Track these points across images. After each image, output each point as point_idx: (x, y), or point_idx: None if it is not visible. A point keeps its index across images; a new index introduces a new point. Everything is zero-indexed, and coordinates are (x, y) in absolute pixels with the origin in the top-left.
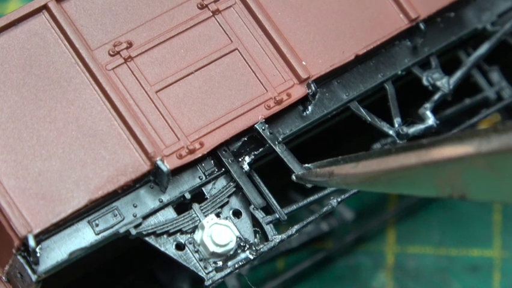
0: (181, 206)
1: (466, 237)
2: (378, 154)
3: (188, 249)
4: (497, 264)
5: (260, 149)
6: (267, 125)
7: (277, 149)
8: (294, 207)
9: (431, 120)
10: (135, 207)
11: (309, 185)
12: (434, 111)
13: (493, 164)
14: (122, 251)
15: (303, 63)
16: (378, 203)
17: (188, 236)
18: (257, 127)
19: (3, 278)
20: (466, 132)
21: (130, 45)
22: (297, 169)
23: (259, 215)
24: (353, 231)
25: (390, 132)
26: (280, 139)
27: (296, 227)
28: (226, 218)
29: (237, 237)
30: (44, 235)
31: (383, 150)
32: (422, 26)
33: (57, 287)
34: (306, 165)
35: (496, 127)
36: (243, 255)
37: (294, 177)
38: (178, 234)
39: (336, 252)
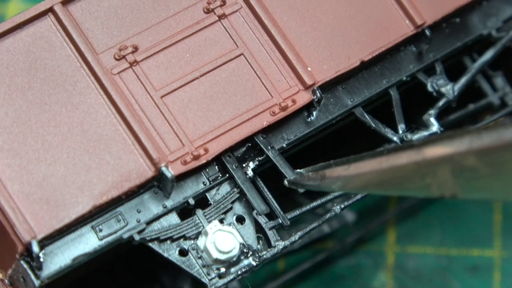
0: (185, 211)
1: (466, 237)
2: (369, 156)
3: (192, 255)
4: (498, 264)
5: (265, 155)
6: None
7: (269, 154)
8: (297, 212)
9: (435, 127)
10: (139, 212)
11: (301, 190)
12: (438, 116)
13: (484, 161)
14: (124, 250)
15: (309, 69)
16: (378, 204)
17: (192, 242)
18: None
19: (6, 281)
20: (456, 131)
21: (135, 49)
22: (289, 174)
23: (262, 220)
24: (353, 231)
25: (394, 138)
26: (273, 144)
27: (299, 233)
28: (230, 224)
29: (240, 244)
30: (47, 240)
31: (374, 152)
32: (427, 32)
33: (58, 286)
34: (298, 170)
35: (487, 126)
36: (246, 262)
37: (286, 182)
38: (182, 240)
39: (337, 252)
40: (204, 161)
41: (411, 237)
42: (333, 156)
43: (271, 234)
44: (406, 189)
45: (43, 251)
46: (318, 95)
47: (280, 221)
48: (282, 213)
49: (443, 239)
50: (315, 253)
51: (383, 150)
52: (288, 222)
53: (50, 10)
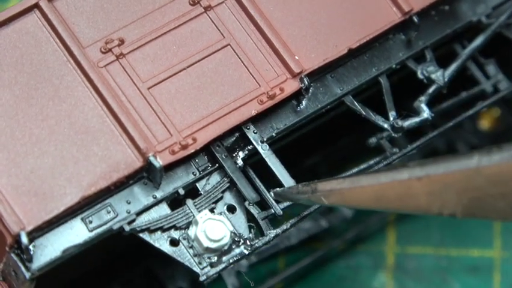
0: (176, 202)
1: (466, 237)
2: (367, 173)
3: (183, 245)
4: (497, 265)
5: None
6: None
7: (261, 150)
8: (290, 202)
9: (426, 113)
10: (129, 203)
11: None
12: (431, 105)
13: (492, 181)
14: (121, 248)
15: (296, 57)
16: None
17: (183, 231)
18: None
19: None
20: (464, 152)
21: (121, 42)
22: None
23: (255, 210)
24: (352, 229)
25: (385, 125)
26: (263, 138)
27: (291, 221)
28: (221, 213)
29: (231, 232)
30: (37, 232)
31: (372, 170)
32: (415, 19)
33: (56, 284)
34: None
35: (499, 145)
36: (237, 250)
37: (272, 193)
38: (172, 230)
39: (337, 252)
40: (192, 150)
41: (411, 237)
42: (329, 150)
43: (264, 224)
44: (403, 206)
45: (33, 243)
46: (306, 83)
47: (273, 211)
48: (274, 202)
49: (443, 240)
50: (314, 253)
51: (381, 168)
52: (281, 212)
53: (36, 6)
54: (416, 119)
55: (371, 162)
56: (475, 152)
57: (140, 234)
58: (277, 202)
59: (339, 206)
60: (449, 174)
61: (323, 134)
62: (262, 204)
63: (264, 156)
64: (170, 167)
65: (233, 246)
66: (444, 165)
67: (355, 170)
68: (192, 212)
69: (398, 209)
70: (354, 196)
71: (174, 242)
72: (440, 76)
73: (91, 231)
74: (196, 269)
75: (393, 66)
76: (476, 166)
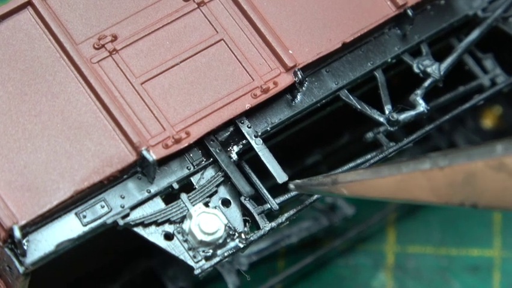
0: (170, 196)
1: (466, 236)
2: (387, 163)
3: (177, 238)
4: (497, 264)
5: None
6: None
7: (255, 144)
8: (286, 197)
9: (421, 106)
10: (123, 198)
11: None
12: (428, 99)
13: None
14: (122, 249)
15: (290, 51)
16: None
17: (177, 225)
18: None
19: None
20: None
21: (115, 38)
22: (275, 168)
23: (251, 205)
24: (352, 228)
25: (381, 119)
26: (258, 133)
27: (286, 215)
28: (215, 207)
29: (226, 225)
30: (31, 227)
31: (393, 161)
32: (410, 12)
33: (58, 285)
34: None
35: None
36: (232, 244)
37: (291, 185)
38: (167, 224)
39: (336, 252)
40: (186, 144)
41: (411, 237)
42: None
43: (260, 219)
44: (424, 197)
45: (27, 238)
46: (300, 76)
47: (269, 206)
48: (270, 197)
49: (443, 239)
50: (314, 252)
51: (403, 158)
52: (277, 207)
53: (29, 3)
54: (412, 112)
55: (368, 156)
56: (497, 143)
57: (135, 229)
58: (273, 197)
59: (359, 198)
60: (471, 164)
61: (322, 133)
62: (259, 200)
63: (257, 150)
64: (164, 162)
65: (228, 240)
66: (466, 155)
67: (352, 164)
68: (186, 206)
69: (418, 200)
70: (375, 187)
71: (168, 236)
72: (435, 69)
73: (85, 225)
74: (191, 262)
75: (389, 60)
76: (500, 156)
